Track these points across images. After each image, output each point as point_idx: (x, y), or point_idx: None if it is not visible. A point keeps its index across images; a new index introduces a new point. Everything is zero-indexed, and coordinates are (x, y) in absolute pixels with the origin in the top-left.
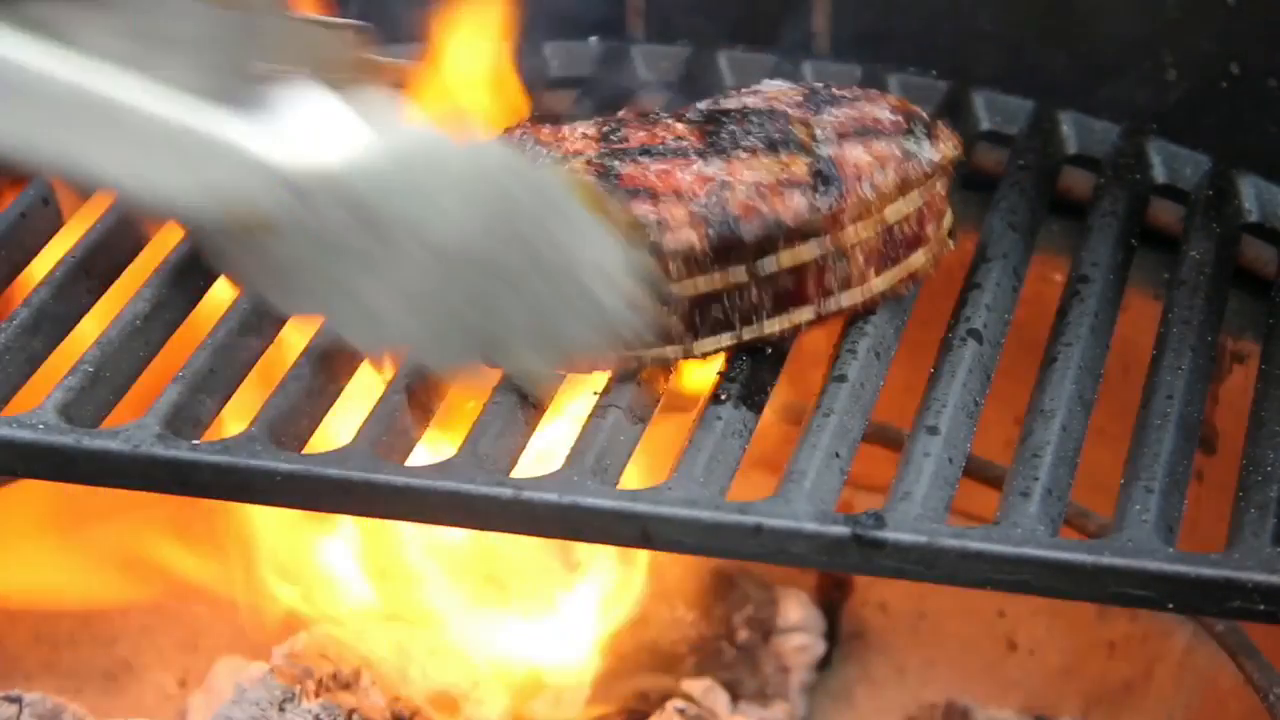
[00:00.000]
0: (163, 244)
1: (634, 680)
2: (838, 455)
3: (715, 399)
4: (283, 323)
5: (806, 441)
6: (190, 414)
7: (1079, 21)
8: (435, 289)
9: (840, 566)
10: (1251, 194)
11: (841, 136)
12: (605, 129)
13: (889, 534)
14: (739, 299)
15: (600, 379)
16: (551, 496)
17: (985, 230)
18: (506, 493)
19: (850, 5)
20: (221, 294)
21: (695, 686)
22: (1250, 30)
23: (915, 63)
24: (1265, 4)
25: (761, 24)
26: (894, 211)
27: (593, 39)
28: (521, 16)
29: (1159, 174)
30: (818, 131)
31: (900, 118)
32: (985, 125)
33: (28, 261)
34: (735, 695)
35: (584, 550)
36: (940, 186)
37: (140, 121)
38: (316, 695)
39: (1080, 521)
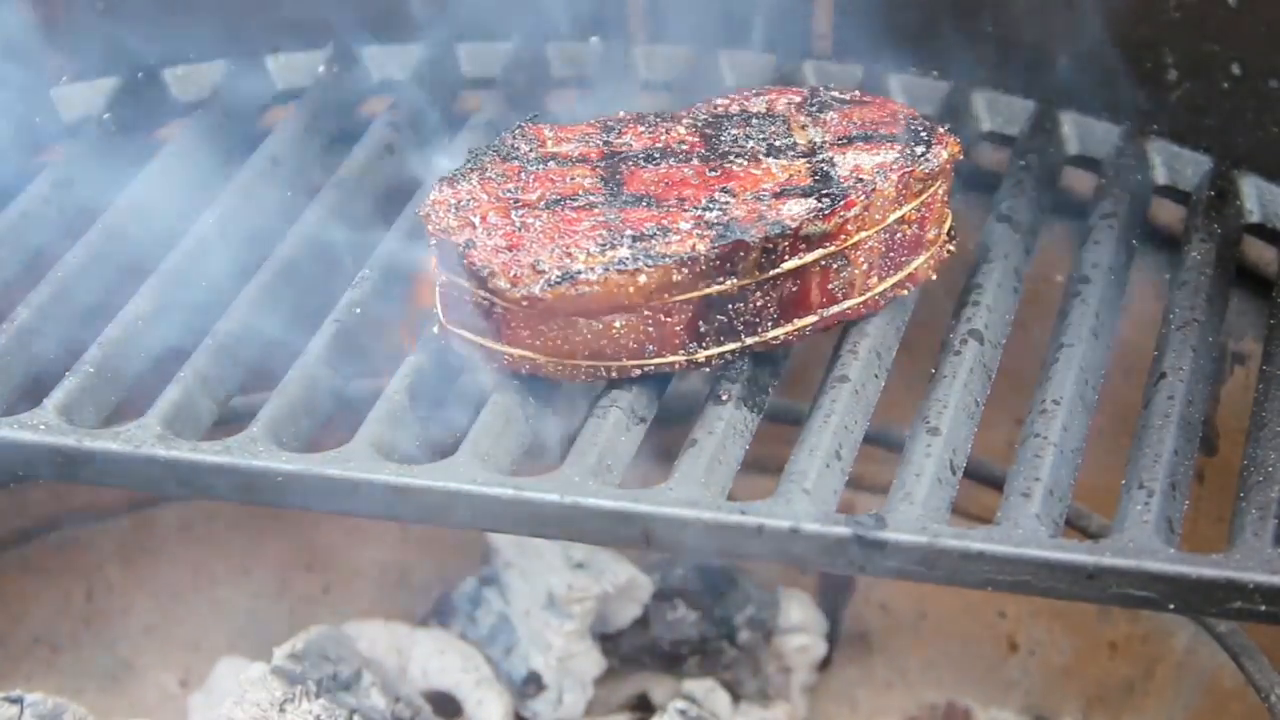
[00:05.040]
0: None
1: (634, 680)
2: (839, 456)
3: (716, 399)
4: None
5: (808, 442)
6: (191, 414)
7: (1080, 22)
8: None
9: (841, 567)
10: (1252, 194)
11: (842, 140)
12: (605, 131)
13: (890, 534)
14: (743, 305)
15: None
16: (553, 496)
17: (986, 231)
18: (507, 492)
19: (851, 6)
20: (222, 294)
21: (697, 687)
22: (1250, 30)
23: (916, 63)
24: (1265, 4)
25: (762, 25)
26: (895, 215)
27: (593, 39)
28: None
29: (1160, 174)
30: (818, 135)
31: (901, 121)
32: (986, 126)
33: (28, 261)
34: (737, 696)
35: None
36: (941, 189)
37: None
38: (317, 696)
39: (1081, 522)
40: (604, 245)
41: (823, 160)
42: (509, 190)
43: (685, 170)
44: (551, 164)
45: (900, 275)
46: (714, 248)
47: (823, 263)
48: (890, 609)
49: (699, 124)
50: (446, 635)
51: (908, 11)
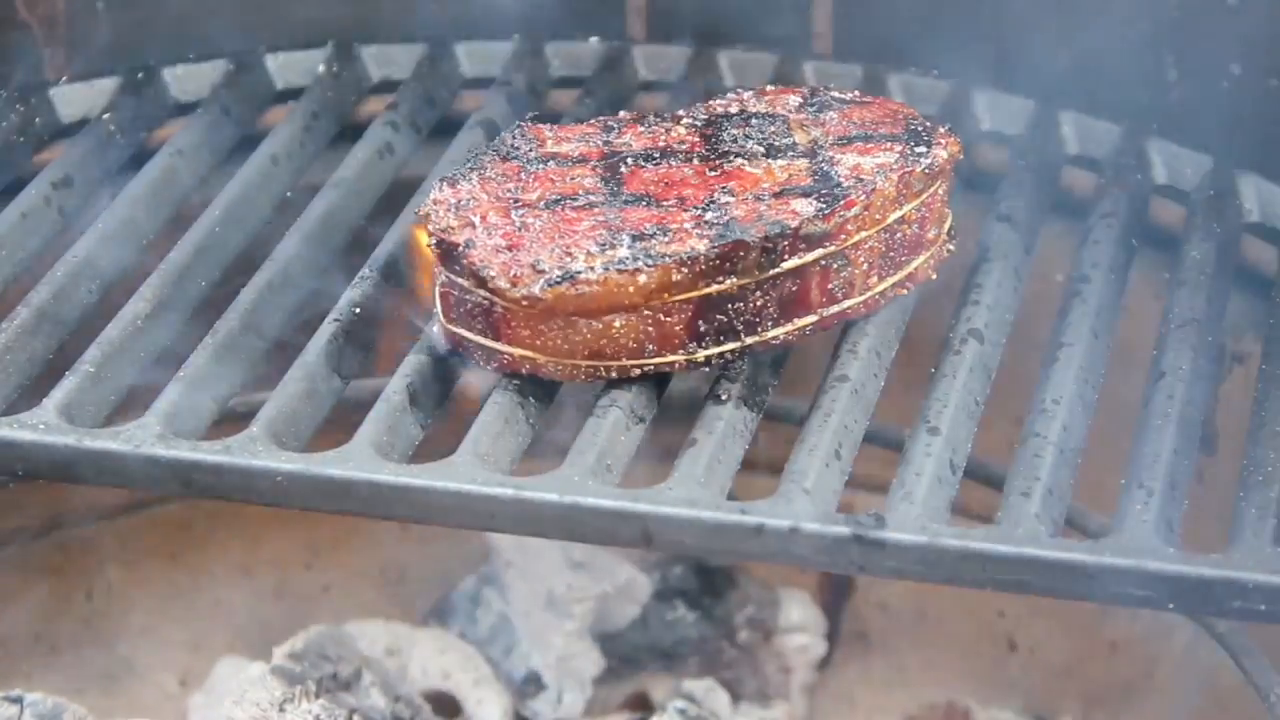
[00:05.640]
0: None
1: (634, 680)
2: (839, 455)
3: (716, 399)
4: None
5: (807, 442)
6: (191, 414)
7: (1079, 21)
8: None
9: (841, 567)
10: (1252, 194)
11: (842, 140)
12: (605, 131)
13: (890, 534)
14: (742, 305)
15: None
16: (552, 496)
17: (986, 230)
18: (507, 492)
19: (851, 5)
20: (221, 293)
21: (696, 687)
22: (1250, 30)
23: (916, 63)
24: (1265, 4)
25: (762, 24)
26: (895, 215)
27: (593, 39)
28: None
29: (1160, 174)
30: (818, 135)
31: (901, 121)
32: (986, 125)
33: (28, 261)
34: (736, 695)
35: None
36: (941, 189)
37: None
38: (317, 695)
39: (1081, 521)
40: (604, 245)
41: (823, 160)
42: (509, 190)
43: (685, 170)
44: (551, 164)
45: (900, 275)
46: (714, 247)
47: (823, 262)
48: (890, 609)
49: (699, 124)
50: (446, 635)
51: (908, 11)
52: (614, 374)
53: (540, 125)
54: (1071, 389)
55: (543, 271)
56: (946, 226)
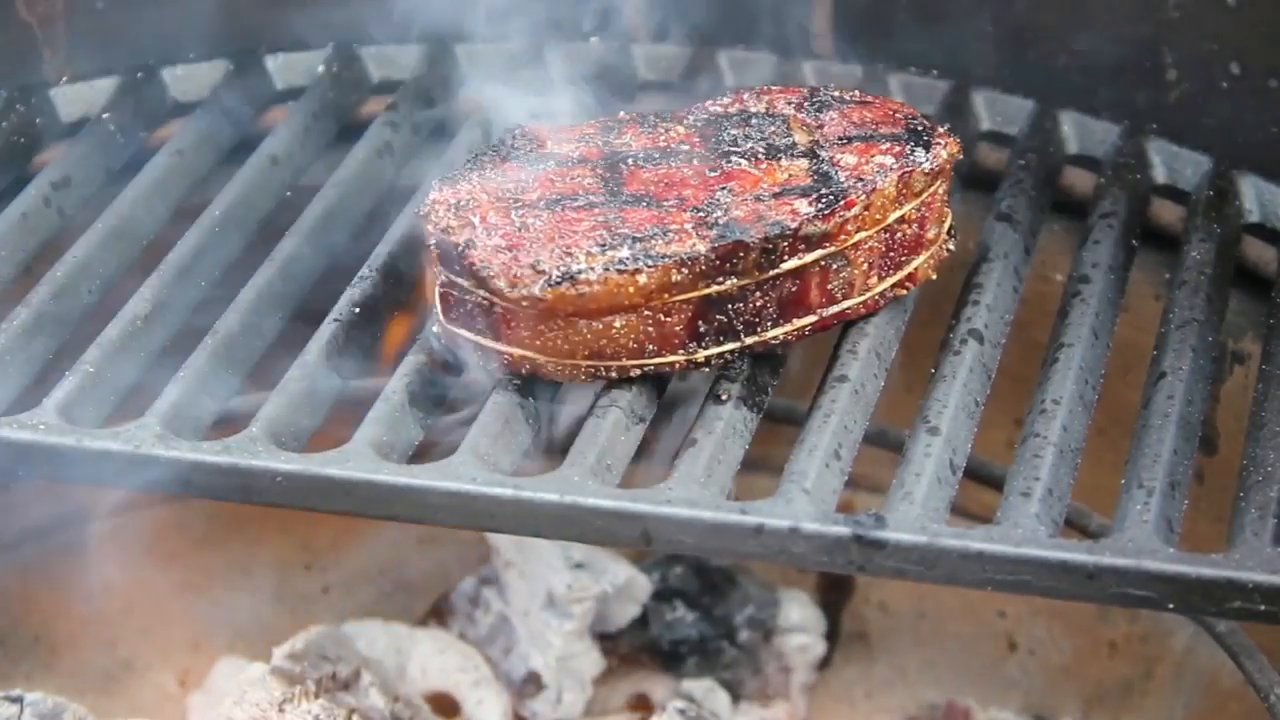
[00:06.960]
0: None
1: (634, 680)
2: (838, 455)
3: (716, 399)
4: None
5: (807, 442)
6: (190, 414)
7: (1079, 21)
8: None
9: (841, 567)
10: (1252, 194)
11: (842, 140)
12: (605, 131)
13: (890, 534)
14: (742, 305)
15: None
16: (552, 496)
17: (985, 230)
18: (507, 492)
19: (851, 6)
20: (222, 293)
21: (696, 687)
22: (1250, 30)
23: (916, 63)
24: (1265, 4)
25: (762, 24)
26: (895, 214)
27: (593, 39)
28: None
29: (1159, 174)
30: (818, 135)
31: (900, 121)
32: (986, 125)
33: (28, 261)
34: (736, 695)
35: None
36: (940, 189)
37: None
38: (316, 695)
39: (1081, 521)
40: (604, 245)
41: (823, 160)
42: (509, 190)
43: (685, 170)
44: (551, 164)
45: (900, 275)
46: (714, 248)
47: (822, 263)
48: (890, 609)
49: (699, 124)
50: (446, 635)
51: (908, 11)
52: (614, 374)
53: (540, 125)
54: (1071, 389)
55: (543, 272)
56: (946, 226)
